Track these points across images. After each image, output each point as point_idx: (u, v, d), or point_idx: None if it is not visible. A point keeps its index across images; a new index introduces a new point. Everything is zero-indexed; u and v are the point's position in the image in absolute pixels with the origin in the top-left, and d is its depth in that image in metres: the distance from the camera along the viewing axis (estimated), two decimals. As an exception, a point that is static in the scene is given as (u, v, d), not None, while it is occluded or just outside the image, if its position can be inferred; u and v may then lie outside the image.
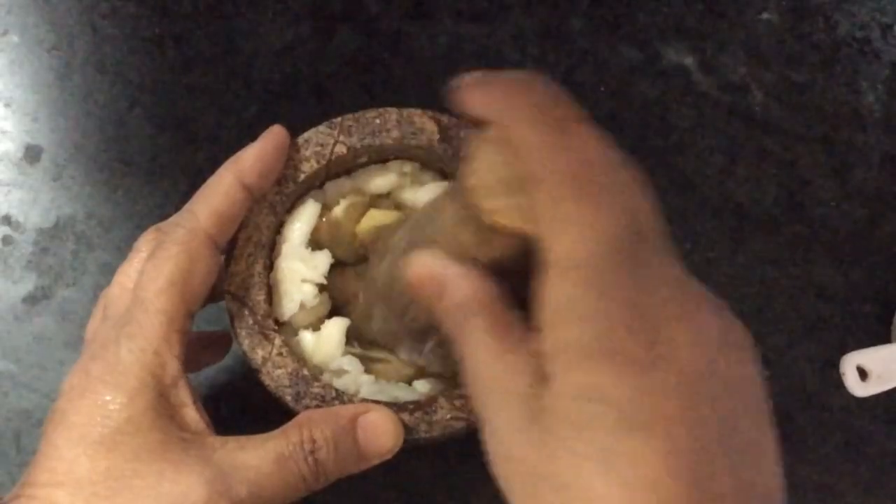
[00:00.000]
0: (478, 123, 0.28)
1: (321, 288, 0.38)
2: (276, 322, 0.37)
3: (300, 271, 0.38)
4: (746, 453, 0.25)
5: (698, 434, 0.24)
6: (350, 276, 0.40)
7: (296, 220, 0.39)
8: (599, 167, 0.25)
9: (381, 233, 0.39)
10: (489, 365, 0.28)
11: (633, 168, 0.27)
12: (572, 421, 0.25)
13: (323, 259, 0.38)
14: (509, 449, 0.27)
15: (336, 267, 0.39)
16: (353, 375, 0.37)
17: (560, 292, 0.25)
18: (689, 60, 0.55)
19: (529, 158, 0.25)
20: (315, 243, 0.39)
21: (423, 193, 0.40)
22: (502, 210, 0.27)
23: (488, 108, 0.27)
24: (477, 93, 0.27)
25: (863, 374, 0.45)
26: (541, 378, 0.26)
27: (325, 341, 0.38)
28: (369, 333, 0.38)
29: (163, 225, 0.37)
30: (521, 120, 0.26)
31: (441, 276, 0.30)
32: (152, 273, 0.34)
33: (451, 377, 0.38)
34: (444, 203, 0.31)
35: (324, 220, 0.39)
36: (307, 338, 0.38)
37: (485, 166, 0.27)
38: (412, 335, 0.36)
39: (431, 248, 0.31)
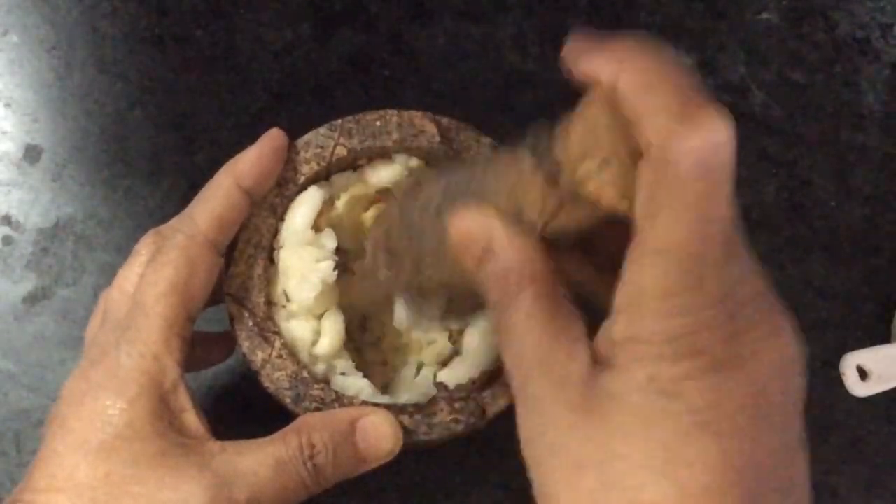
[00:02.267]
0: (586, 86, 0.26)
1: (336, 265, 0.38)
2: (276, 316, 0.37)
3: (312, 253, 0.37)
4: (791, 471, 0.25)
5: (760, 447, 0.24)
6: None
7: (300, 206, 0.38)
8: (717, 158, 0.23)
9: (404, 185, 0.37)
10: (538, 341, 0.26)
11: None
12: (638, 413, 0.24)
13: (329, 237, 0.38)
14: (553, 430, 0.25)
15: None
16: (352, 379, 0.37)
17: (647, 278, 0.24)
18: (688, 60, 0.55)
19: (647, 132, 0.23)
20: (316, 229, 0.39)
21: None
22: (597, 179, 0.25)
23: (603, 72, 0.25)
24: (592, 55, 0.25)
25: (863, 374, 0.45)
26: (598, 364, 0.25)
27: (327, 336, 0.38)
28: (370, 295, 0.38)
29: (163, 228, 0.37)
30: (642, 91, 0.23)
31: (492, 236, 0.28)
32: (152, 278, 0.34)
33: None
34: (507, 160, 0.28)
35: (324, 215, 0.39)
36: (305, 331, 0.38)
37: (586, 127, 0.25)
38: (421, 293, 0.35)
39: (482, 205, 0.28)
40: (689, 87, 0.23)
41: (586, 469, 0.24)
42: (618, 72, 0.24)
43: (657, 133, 0.23)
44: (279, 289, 0.38)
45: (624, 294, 0.24)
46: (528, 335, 0.27)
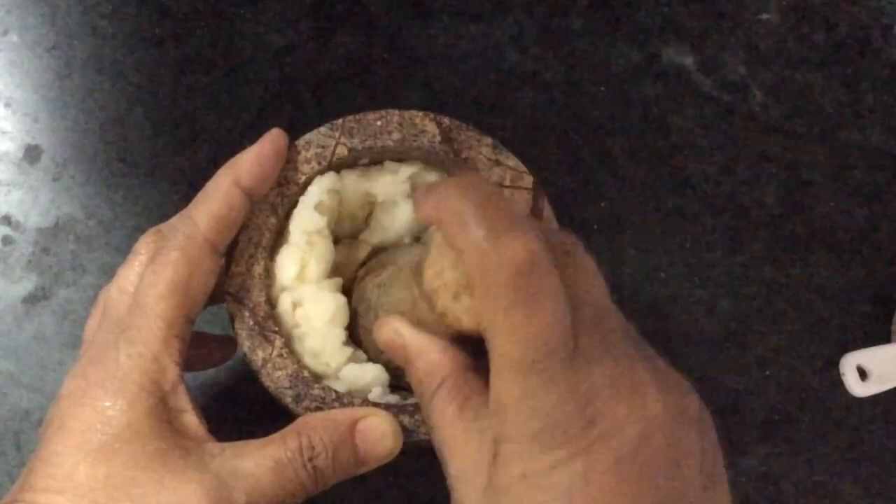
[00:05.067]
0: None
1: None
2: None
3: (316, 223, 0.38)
4: None
5: None
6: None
7: (313, 186, 0.39)
8: (529, 270, 0.26)
9: (364, 278, 0.40)
10: (452, 435, 0.30)
11: (581, 247, 0.29)
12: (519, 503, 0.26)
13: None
14: None
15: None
16: (368, 367, 0.37)
17: (504, 386, 0.27)
18: (689, 60, 0.55)
19: (467, 261, 0.27)
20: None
21: None
22: (453, 310, 0.29)
23: (434, 215, 0.28)
24: (423, 201, 0.29)
25: (863, 374, 0.45)
26: (496, 458, 0.27)
27: (328, 341, 0.38)
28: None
29: (162, 227, 0.37)
30: (457, 226, 0.27)
31: (405, 347, 0.32)
32: (152, 278, 0.34)
33: None
34: (408, 279, 0.32)
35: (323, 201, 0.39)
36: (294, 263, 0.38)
37: (438, 267, 0.29)
38: (393, 373, 0.37)
39: (398, 314, 0.33)
40: (498, 213, 0.27)
41: None
42: (441, 213, 0.28)
43: (474, 260, 0.26)
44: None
45: (491, 400, 0.27)
46: (445, 430, 0.30)
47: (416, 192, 0.30)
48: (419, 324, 0.32)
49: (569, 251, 0.29)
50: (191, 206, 0.36)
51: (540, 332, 0.26)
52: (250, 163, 0.37)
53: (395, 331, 0.32)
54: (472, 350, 0.31)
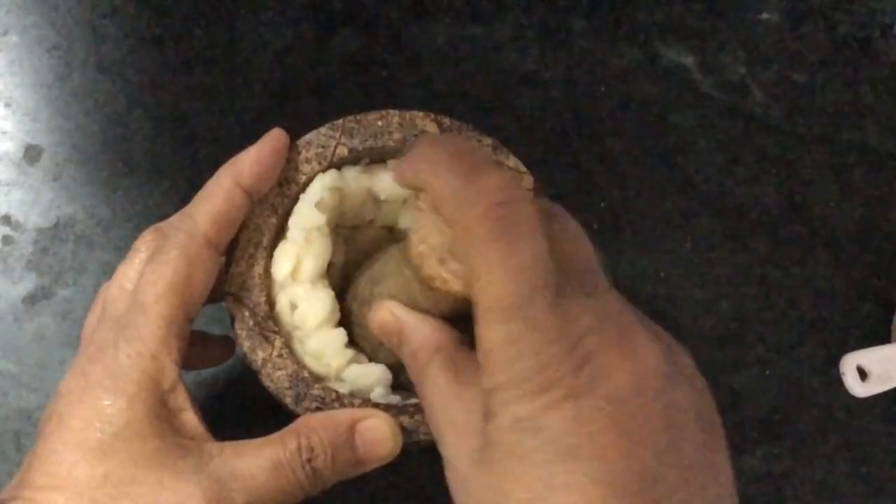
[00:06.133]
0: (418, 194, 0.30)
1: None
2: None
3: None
4: (692, 477, 0.26)
5: (634, 459, 0.25)
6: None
7: (315, 183, 0.39)
8: (509, 208, 0.26)
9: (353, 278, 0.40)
10: (444, 404, 0.30)
11: (561, 209, 0.29)
12: (512, 453, 0.26)
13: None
14: (464, 481, 0.28)
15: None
16: (371, 367, 0.37)
17: (490, 332, 0.26)
18: (689, 60, 0.55)
19: (445, 210, 0.27)
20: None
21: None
22: (440, 276, 0.30)
23: (412, 178, 0.29)
24: (401, 168, 0.29)
25: (863, 374, 0.45)
26: (487, 414, 0.27)
27: (329, 342, 0.37)
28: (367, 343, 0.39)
29: (162, 225, 0.37)
30: (434, 178, 0.27)
31: (399, 326, 0.32)
32: (152, 277, 0.34)
33: None
34: (397, 262, 0.33)
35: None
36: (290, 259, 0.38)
37: (423, 232, 0.30)
38: (391, 368, 0.37)
39: (391, 300, 0.33)
40: (472, 160, 0.27)
41: None
42: (418, 173, 0.28)
43: (451, 207, 0.27)
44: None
45: (479, 352, 0.27)
46: (436, 400, 0.30)
47: (393, 167, 0.31)
48: (413, 306, 0.33)
49: (555, 214, 0.29)
50: (191, 204, 0.36)
51: (520, 268, 0.25)
52: (251, 162, 0.37)
53: (389, 312, 0.33)
54: (462, 330, 0.31)
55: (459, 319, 0.32)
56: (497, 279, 0.26)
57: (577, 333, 0.26)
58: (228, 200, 0.36)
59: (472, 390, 0.29)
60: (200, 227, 0.35)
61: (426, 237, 0.30)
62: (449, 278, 0.29)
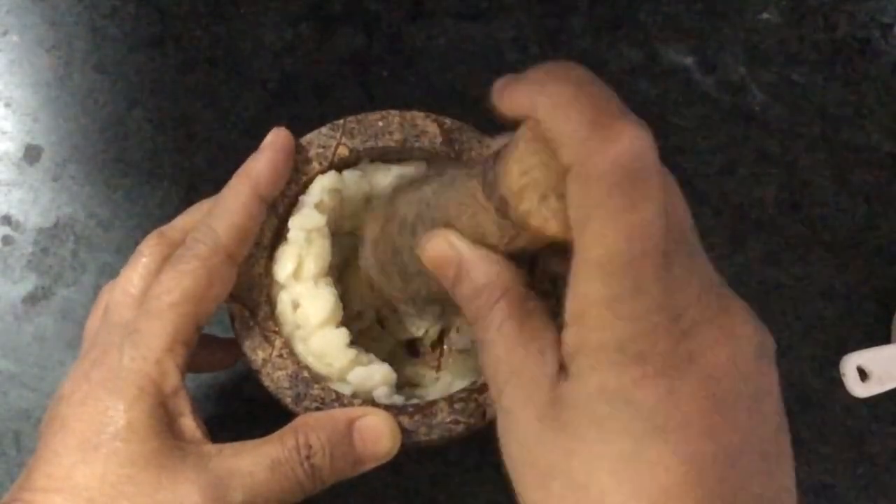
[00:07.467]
0: (516, 123, 0.27)
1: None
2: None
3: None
4: (764, 465, 0.25)
5: (720, 443, 0.24)
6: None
7: (315, 184, 0.38)
8: (637, 165, 0.23)
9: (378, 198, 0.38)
10: (510, 352, 0.27)
11: (667, 169, 0.26)
12: (594, 421, 0.24)
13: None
14: (525, 439, 0.26)
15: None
16: (375, 367, 0.37)
17: (590, 288, 0.24)
18: (689, 60, 0.55)
19: (565, 152, 0.24)
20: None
21: None
22: (539, 212, 0.26)
23: (523, 105, 0.25)
24: (511, 90, 0.26)
25: (863, 374, 0.45)
26: (563, 371, 0.26)
27: (332, 342, 0.37)
28: (373, 300, 0.38)
29: (165, 229, 0.37)
30: (557, 113, 0.24)
31: (460, 259, 0.29)
32: (169, 284, 0.34)
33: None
34: (465, 187, 0.29)
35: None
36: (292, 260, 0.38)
37: (521, 167, 0.26)
38: (415, 304, 0.36)
39: (449, 229, 0.30)
40: (603, 101, 0.24)
41: (554, 477, 0.25)
42: (535, 102, 0.25)
43: (575, 150, 0.23)
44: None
45: (570, 305, 0.25)
46: (501, 346, 0.28)
47: (496, 85, 0.27)
48: (476, 239, 0.29)
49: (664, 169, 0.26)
50: (210, 214, 0.36)
51: (638, 226, 0.23)
52: (267, 171, 0.37)
53: (449, 243, 0.29)
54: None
55: (520, 264, 0.29)
56: (611, 234, 0.23)
57: (681, 304, 0.24)
58: (248, 211, 0.36)
59: (540, 342, 0.27)
60: (222, 240, 0.35)
61: (530, 169, 0.26)
62: (550, 217, 0.26)
